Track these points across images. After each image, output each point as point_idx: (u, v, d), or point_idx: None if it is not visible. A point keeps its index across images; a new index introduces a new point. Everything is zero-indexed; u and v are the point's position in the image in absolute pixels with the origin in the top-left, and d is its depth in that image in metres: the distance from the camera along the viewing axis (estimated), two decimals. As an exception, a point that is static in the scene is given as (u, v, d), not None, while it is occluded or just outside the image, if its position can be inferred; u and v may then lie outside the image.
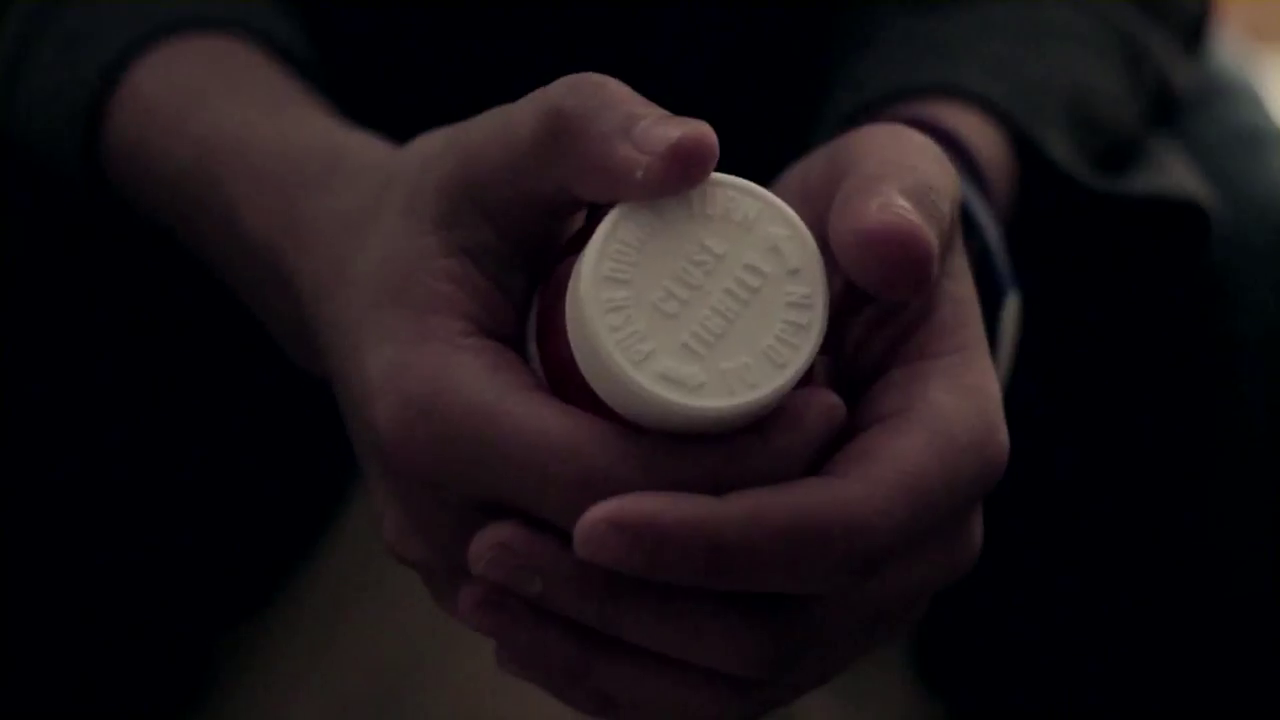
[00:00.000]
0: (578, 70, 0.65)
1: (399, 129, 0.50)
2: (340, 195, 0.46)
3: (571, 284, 0.39)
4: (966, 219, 0.51)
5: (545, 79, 0.55)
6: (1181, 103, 0.65)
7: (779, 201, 0.40)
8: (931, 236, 0.39)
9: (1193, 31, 0.65)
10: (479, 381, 0.39)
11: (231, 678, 0.66)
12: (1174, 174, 0.58)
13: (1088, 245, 0.59)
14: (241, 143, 0.51)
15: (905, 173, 0.41)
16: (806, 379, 0.39)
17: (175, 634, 0.63)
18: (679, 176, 0.39)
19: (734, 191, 0.40)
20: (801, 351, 0.39)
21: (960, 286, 0.43)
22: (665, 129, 0.39)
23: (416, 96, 0.65)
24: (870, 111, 0.55)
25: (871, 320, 0.43)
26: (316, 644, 0.67)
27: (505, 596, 0.40)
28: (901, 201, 0.40)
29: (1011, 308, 0.52)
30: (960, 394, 0.41)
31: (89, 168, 0.56)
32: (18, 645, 0.59)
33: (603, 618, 0.39)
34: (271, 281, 0.48)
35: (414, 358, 0.40)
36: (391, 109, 0.61)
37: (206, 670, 0.65)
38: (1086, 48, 0.59)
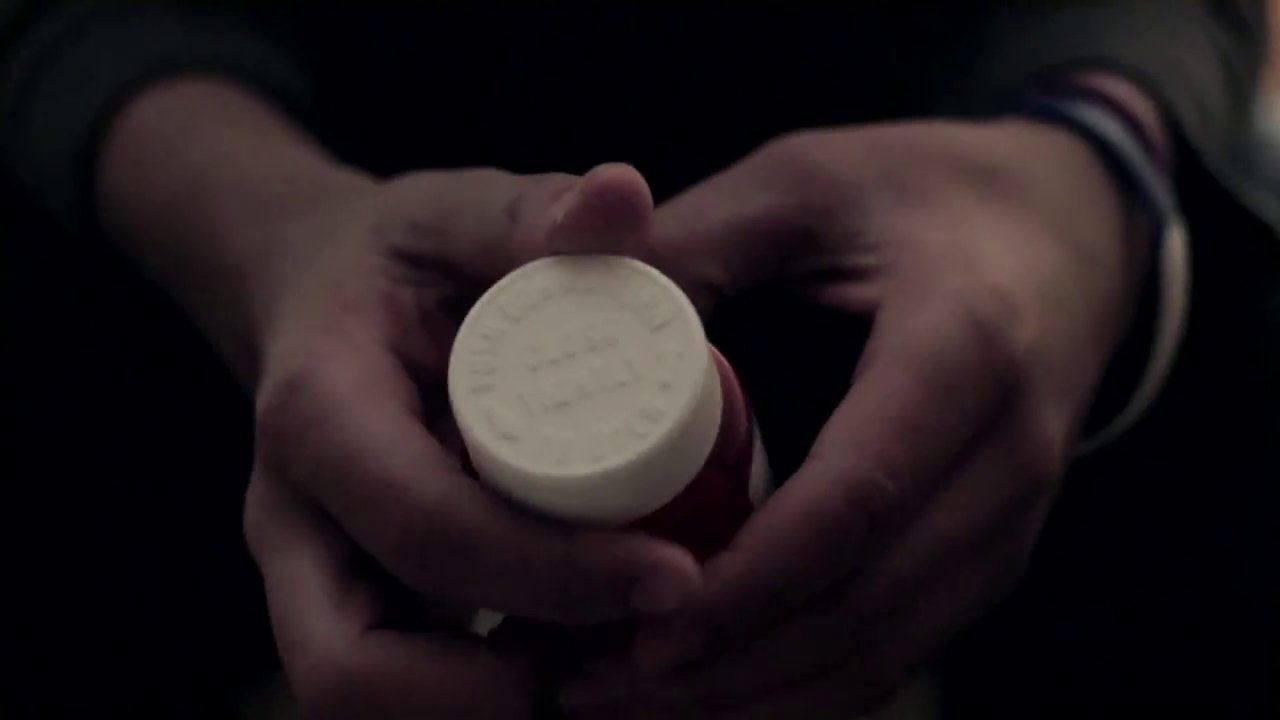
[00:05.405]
0: (583, 94, 0.65)
1: (395, 166, 0.50)
2: (313, 218, 0.46)
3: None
4: (1137, 195, 0.51)
5: (549, 111, 0.54)
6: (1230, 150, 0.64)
7: (688, 309, 0.38)
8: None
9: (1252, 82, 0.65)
10: (357, 381, 0.39)
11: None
12: (1257, 199, 0.58)
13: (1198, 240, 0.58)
14: (227, 176, 0.50)
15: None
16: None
17: (197, 687, 0.61)
18: (599, 223, 0.38)
19: (653, 285, 0.38)
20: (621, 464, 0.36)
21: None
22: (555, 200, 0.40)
23: (416, 133, 0.65)
24: (1028, 82, 0.55)
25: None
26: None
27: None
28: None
29: (1176, 243, 0.51)
30: (918, 312, 0.42)
31: (85, 216, 0.56)
32: (35, 709, 0.57)
33: (699, 693, 0.40)
34: (229, 302, 0.48)
35: (310, 340, 0.41)
36: (390, 145, 0.63)
37: None
38: (1202, 55, 0.59)
